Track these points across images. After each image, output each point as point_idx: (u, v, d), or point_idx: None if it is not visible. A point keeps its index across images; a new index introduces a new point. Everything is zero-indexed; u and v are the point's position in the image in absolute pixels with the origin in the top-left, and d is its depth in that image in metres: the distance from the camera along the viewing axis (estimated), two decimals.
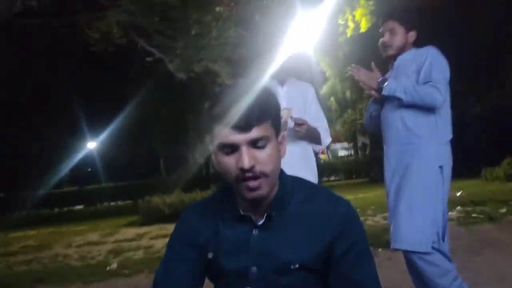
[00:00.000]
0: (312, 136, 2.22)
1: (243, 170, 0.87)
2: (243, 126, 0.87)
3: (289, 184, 0.98)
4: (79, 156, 20.15)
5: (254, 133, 0.88)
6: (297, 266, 0.92)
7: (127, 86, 16.85)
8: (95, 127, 18.70)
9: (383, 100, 2.09)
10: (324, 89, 19.51)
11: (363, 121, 2.39)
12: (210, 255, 0.98)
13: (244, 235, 0.96)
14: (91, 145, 21.47)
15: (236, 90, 0.90)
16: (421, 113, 1.98)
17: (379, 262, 3.89)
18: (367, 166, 20.08)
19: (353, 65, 2.08)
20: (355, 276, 0.93)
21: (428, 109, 1.96)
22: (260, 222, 0.96)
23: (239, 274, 0.95)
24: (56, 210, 18.60)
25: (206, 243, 0.98)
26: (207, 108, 0.91)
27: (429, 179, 1.92)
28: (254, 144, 0.89)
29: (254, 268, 0.94)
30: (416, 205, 1.89)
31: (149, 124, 18.01)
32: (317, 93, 2.40)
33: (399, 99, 1.96)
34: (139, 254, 5.64)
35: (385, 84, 1.97)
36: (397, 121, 2.02)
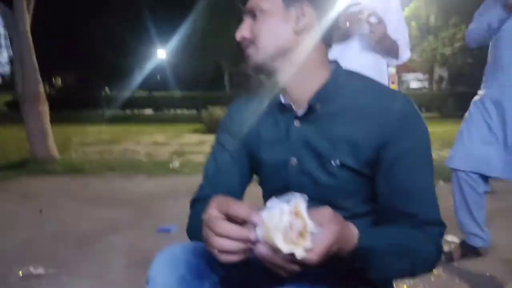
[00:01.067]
0: (389, 47, 1.98)
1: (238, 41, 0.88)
2: None
3: (342, 78, 0.88)
4: (149, 63, 20.86)
5: (249, 4, 0.87)
6: (338, 162, 0.83)
7: None
8: (165, 36, 19.00)
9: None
10: (406, 12, 17.82)
11: (470, 32, 2.01)
12: (252, 146, 0.94)
13: (285, 126, 0.89)
14: (161, 53, 22.01)
15: None
16: None
17: (440, 194, 3.73)
18: (441, 100, 18.77)
19: None
20: (406, 183, 0.80)
21: None
22: (301, 113, 0.87)
23: (279, 166, 0.90)
24: (128, 112, 19.87)
25: (248, 134, 0.95)
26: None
27: None
28: (252, 15, 0.87)
29: (293, 159, 0.88)
30: None
31: (215, 37, 17.91)
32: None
33: None
34: (200, 158, 5.92)
35: None
36: None
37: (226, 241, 0.62)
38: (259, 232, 0.61)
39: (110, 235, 2.64)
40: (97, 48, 19.81)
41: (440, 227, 0.82)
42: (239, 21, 0.91)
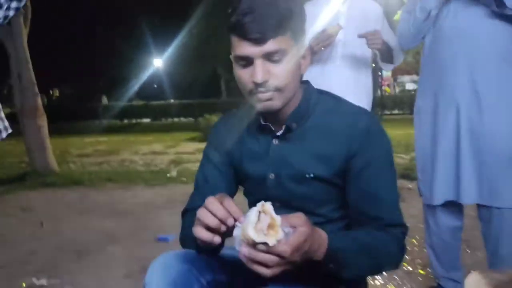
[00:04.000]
0: (387, 53, 2.03)
1: (256, 84, 0.85)
2: (258, 38, 0.82)
3: (314, 97, 0.97)
4: (146, 72, 20.98)
5: (269, 46, 0.83)
6: (312, 175, 0.93)
7: (189, 2, 16.78)
8: (161, 45, 19.13)
9: None
10: (399, 15, 17.99)
11: (402, 31, 1.77)
12: (236, 160, 1.03)
13: (265, 144, 0.98)
14: (157, 62, 22.15)
15: None
16: (507, 29, 1.54)
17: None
18: None
19: None
20: (372, 189, 0.90)
21: None
22: (279, 133, 0.96)
23: (259, 180, 0.99)
24: (125, 121, 19.94)
25: (232, 149, 1.03)
26: (227, 15, 0.86)
27: None
28: (269, 57, 0.84)
29: (272, 175, 0.97)
30: None
31: (211, 44, 18.00)
32: (390, 19, 2.14)
33: (498, 6, 1.48)
34: (196, 166, 5.90)
35: None
36: (485, 37, 1.55)
37: (210, 216, 0.75)
38: (236, 232, 0.73)
39: (109, 246, 2.72)
40: (94, 59, 19.94)
41: (402, 228, 0.92)
42: (234, 1, 0.86)
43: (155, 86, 25.18)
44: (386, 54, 2.02)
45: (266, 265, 0.70)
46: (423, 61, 1.77)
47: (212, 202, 0.76)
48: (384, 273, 2.11)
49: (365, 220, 0.91)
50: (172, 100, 21.68)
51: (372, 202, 0.90)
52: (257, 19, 0.82)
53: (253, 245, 0.70)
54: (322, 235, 0.78)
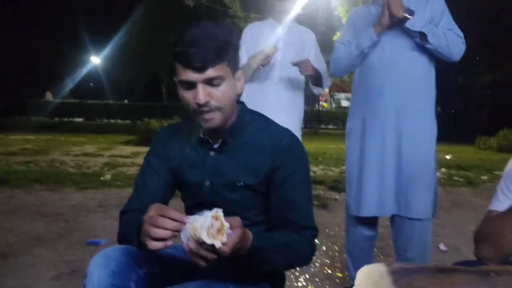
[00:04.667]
0: (316, 78, 2.25)
1: (199, 105, 0.98)
2: (199, 67, 0.96)
3: (247, 116, 1.11)
4: (82, 69, 20.08)
5: (209, 73, 0.96)
6: (242, 184, 1.07)
7: (133, 3, 16.47)
8: (99, 42, 18.45)
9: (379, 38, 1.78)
10: (337, 36, 18.99)
11: (336, 61, 1.93)
12: (176, 167, 1.13)
13: (203, 155, 1.11)
14: (95, 60, 21.29)
15: (198, 30, 0.97)
16: (426, 62, 1.79)
17: None
18: None
19: None
20: (290, 198, 1.07)
21: (440, 59, 1.78)
22: (216, 145, 1.10)
23: (196, 186, 1.11)
24: (56, 119, 18.87)
25: (173, 157, 1.14)
26: (172, 44, 0.98)
27: (433, 144, 1.82)
28: (209, 82, 0.98)
29: (207, 182, 1.10)
30: (433, 169, 1.84)
31: (154, 47, 17.72)
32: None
33: (421, 39, 1.71)
34: (132, 170, 5.91)
35: (412, 16, 1.68)
36: (408, 68, 1.78)
37: (161, 230, 0.83)
38: (185, 232, 0.84)
39: (37, 248, 2.64)
40: (25, 52, 18.66)
41: (313, 231, 1.09)
42: (179, 33, 0.97)
43: (91, 84, 24.15)
44: (316, 79, 2.25)
45: (205, 259, 0.83)
46: (354, 88, 1.96)
47: (161, 220, 0.84)
48: (306, 275, 2.30)
49: (283, 223, 1.07)
50: (109, 100, 20.88)
51: (290, 208, 1.07)
52: (199, 51, 0.95)
53: (201, 243, 0.82)
54: (249, 235, 0.93)
